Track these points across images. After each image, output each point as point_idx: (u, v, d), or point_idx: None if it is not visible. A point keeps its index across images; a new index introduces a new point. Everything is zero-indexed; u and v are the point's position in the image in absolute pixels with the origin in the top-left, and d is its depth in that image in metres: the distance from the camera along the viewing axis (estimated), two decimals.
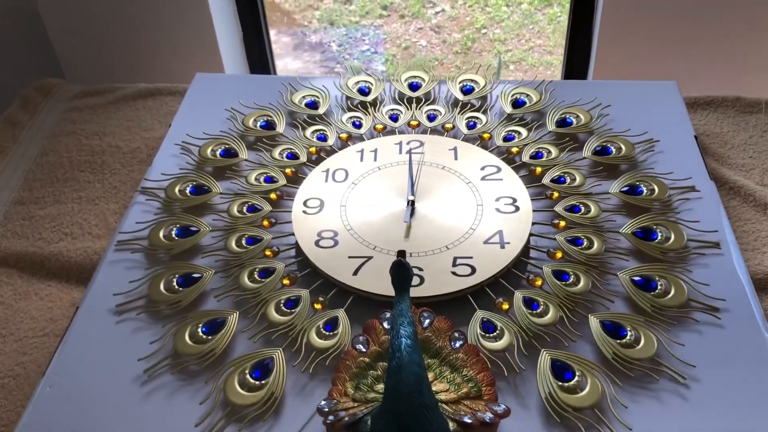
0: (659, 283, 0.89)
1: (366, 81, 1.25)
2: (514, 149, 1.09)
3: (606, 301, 0.88)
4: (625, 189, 1.02)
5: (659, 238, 0.95)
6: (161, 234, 0.99)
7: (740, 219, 1.10)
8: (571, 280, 0.90)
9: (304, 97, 1.23)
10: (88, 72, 1.83)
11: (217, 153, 1.12)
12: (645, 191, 1.02)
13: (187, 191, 1.06)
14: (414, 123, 1.16)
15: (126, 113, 1.40)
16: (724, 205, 1.02)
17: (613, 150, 1.09)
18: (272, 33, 2.77)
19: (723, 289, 0.89)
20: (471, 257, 0.91)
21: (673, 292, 0.88)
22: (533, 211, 0.97)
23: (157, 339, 0.87)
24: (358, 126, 1.16)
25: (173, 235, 0.99)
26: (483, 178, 1.03)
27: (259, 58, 1.90)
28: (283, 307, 0.88)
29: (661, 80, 1.25)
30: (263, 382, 0.81)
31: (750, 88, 1.61)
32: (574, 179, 1.04)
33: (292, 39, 2.79)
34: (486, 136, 1.12)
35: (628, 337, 0.83)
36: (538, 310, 0.87)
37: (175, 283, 0.93)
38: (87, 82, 1.57)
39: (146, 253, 0.98)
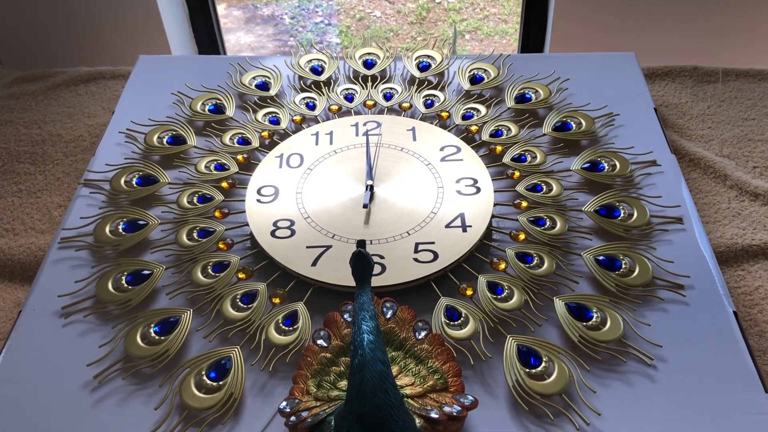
0: (623, 261, 0.88)
1: (319, 59, 1.21)
2: (474, 128, 1.06)
3: (571, 283, 0.87)
4: (586, 166, 1.01)
5: (622, 215, 0.94)
6: (107, 229, 0.94)
7: (701, 191, 1.10)
8: (535, 262, 0.88)
9: (254, 77, 1.18)
10: (24, 56, 1.74)
11: (164, 140, 1.07)
12: (606, 167, 1.00)
13: (134, 182, 1.01)
14: (370, 103, 1.12)
15: (67, 99, 1.33)
16: (685, 178, 1.02)
17: (573, 125, 1.07)
18: (222, 7, 2.69)
19: (687, 265, 0.88)
20: (433, 242, 0.89)
21: (637, 270, 0.87)
22: (494, 191, 0.95)
23: (107, 342, 0.82)
24: (312, 107, 1.12)
25: (120, 230, 0.94)
26: (443, 159, 1.00)
27: (208, 37, 1.83)
28: (239, 303, 0.85)
29: (619, 52, 1.23)
30: (221, 382, 0.77)
31: (707, 57, 1.61)
32: (535, 157, 1.01)
33: (243, 12, 2.72)
34: (444, 114, 1.09)
35: (594, 319, 0.82)
36: (503, 295, 0.85)
37: (123, 281, 0.88)
38: (24, 67, 1.49)
39: (92, 250, 0.93)
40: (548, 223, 0.92)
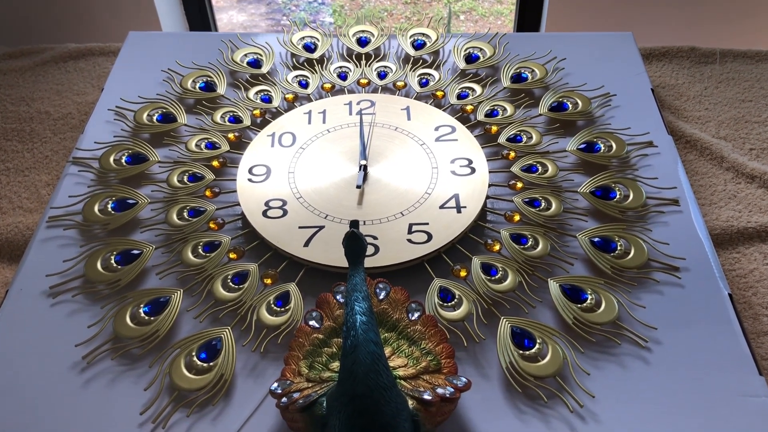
0: (619, 243, 0.87)
1: (312, 36, 1.19)
2: (469, 107, 1.05)
3: (565, 264, 0.86)
4: (582, 146, 0.99)
5: (618, 196, 0.93)
6: (96, 208, 0.93)
7: (697, 173, 1.09)
8: (530, 243, 0.87)
9: (245, 55, 1.16)
10: (11, 31, 1.71)
11: (154, 118, 1.05)
12: (603, 148, 0.99)
13: (123, 161, 0.99)
14: (364, 81, 1.10)
15: (55, 76, 1.31)
16: (681, 159, 1.01)
17: (570, 105, 1.05)
18: None
19: (682, 247, 0.88)
20: (427, 223, 0.88)
21: (632, 252, 0.86)
22: (489, 172, 0.94)
23: (96, 322, 0.81)
24: (305, 85, 1.10)
25: (109, 209, 0.93)
26: (437, 139, 0.98)
27: (199, 13, 1.80)
28: (230, 283, 0.84)
29: (617, 31, 1.22)
30: (211, 363, 0.76)
31: (704, 37, 1.59)
32: (531, 137, 1.00)
33: None
34: (439, 94, 1.07)
35: (588, 301, 0.81)
36: (497, 276, 0.84)
37: (113, 261, 0.87)
38: (11, 43, 1.46)
39: (81, 229, 0.92)
40: (543, 204, 0.91)
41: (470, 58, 1.14)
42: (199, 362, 0.76)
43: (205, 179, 0.96)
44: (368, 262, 0.82)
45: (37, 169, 1.14)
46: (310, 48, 1.17)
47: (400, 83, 1.10)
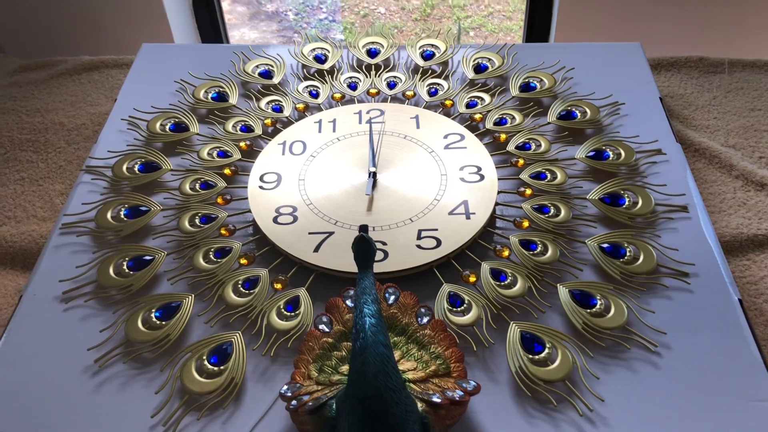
0: (628, 249, 0.87)
1: (322, 48, 1.20)
2: (478, 116, 1.06)
3: (575, 270, 0.86)
4: (591, 154, 1.00)
5: (627, 203, 0.93)
6: (109, 215, 0.94)
7: (706, 181, 1.09)
8: (539, 249, 0.87)
9: (257, 66, 1.17)
10: (27, 44, 1.74)
11: (167, 127, 1.07)
12: (611, 156, 0.99)
13: (136, 169, 1.00)
14: (373, 91, 1.12)
15: (69, 88, 1.33)
16: (690, 168, 1.01)
17: (578, 114, 1.06)
18: (227, 2, 2.69)
19: (692, 254, 0.88)
20: (436, 229, 0.88)
21: (642, 258, 0.86)
22: (498, 179, 0.94)
23: (108, 326, 0.82)
24: (315, 95, 1.11)
25: (122, 216, 0.94)
26: (446, 147, 0.99)
27: (211, 28, 1.82)
28: (241, 288, 0.84)
29: (625, 42, 1.22)
30: (222, 367, 0.77)
31: (713, 47, 1.60)
32: (540, 145, 1.01)
33: (247, 8, 2.71)
34: (448, 103, 1.08)
35: (597, 306, 0.81)
36: (506, 282, 0.84)
37: (125, 267, 0.88)
38: (26, 55, 1.48)
39: (93, 235, 0.93)
40: (552, 210, 0.92)
41: (479, 68, 1.15)
42: (209, 366, 0.77)
43: (217, 187, 0.97)
44: (378, 268, 0.83)
45: (51, 178, 1.15)
46: (320, 59, 1.18)
47: (409, 93, 1.11)
